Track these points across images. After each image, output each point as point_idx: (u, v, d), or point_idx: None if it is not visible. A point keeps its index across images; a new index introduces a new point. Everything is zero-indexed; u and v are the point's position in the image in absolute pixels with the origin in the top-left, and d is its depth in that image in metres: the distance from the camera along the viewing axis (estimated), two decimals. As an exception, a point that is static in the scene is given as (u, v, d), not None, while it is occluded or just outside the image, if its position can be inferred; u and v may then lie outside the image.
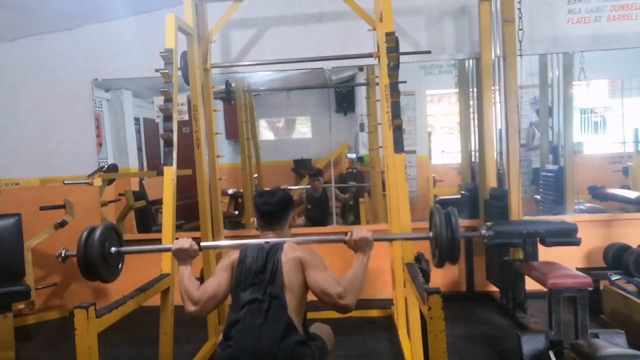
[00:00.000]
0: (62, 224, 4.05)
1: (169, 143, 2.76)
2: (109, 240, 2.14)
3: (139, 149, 5.29)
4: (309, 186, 5.18)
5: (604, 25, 4.23)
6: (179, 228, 4.42)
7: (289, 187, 5.46)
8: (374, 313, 3.91)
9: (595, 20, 4.23)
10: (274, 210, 2.10)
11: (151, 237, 4.49)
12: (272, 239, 2.05)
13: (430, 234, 2.10)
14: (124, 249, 2.23)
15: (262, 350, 1.84)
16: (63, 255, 2.10)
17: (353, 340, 3.41)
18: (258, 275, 1.94)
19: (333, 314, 3.49)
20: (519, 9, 3.79)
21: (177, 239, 2.13)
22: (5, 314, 3.30)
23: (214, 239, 3.47)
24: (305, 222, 5.07)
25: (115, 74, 4.52)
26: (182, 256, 2.07)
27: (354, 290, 1.88)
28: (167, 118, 2.77)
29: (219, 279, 2.00)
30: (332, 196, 4.88)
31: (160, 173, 2.77)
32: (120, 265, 2.27)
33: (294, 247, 2.01)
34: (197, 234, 3.45)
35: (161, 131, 2.82)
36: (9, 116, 4.56)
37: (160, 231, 2.66)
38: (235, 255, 2.03)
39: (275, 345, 1.83)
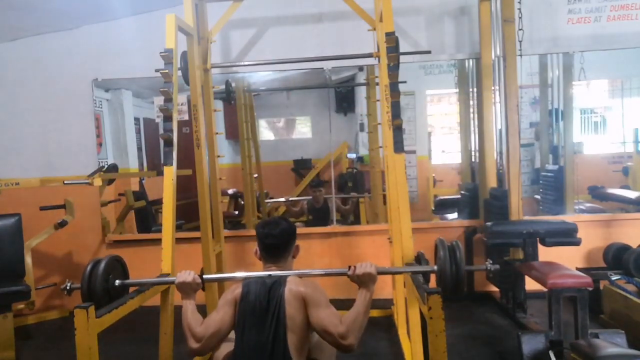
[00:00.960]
0: (62, 224, 4.05)
1: (169, 143, 2.75)
2: (114, 272, 2.17)
3: (139, 149, 5.29)
4: (310, 197, 5.20)
5: (604, 25, 4.23)
6: (179, 228, 4.42)
7: (290, 198, 5.45)
8: (374, 313, 3.91)
9: (595, 20, 4.23)
10: (277, 242, 2.09)
11: (151, 237, 4.49)
12: (275, 272, 2.04)
13: (435, 268, 2.09)
14: (128, 281, 2.25)
15: None
16: (68, 288, 2.12)
17: (353, 340, 3.41)
18: (261, 314, 1.92)
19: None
20: (519, 9, 3.79)
21: (180, 272, 2.12)
22: (5, 314, 3.30)
23: (214, 239, 3.47)
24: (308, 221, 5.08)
25: (115, 74, 4.52)
26: (185, 289, 2.08)
27: (357, 329, 1.83)
28: (167, 118, 2.77)
29: (221, 314, 1.98)
30: (333, 208, 4.87)
31: (160, 173, 2.76)
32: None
33: (297, 281, 1.99)
34: (197, 234, 3.45)
35: (161, 131, 2.81)
36: (9, 116, 4.56)
37: (160, 231, 2.65)
38: (238, 290, 2.01)
39: None
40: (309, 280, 2.06)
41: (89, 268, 2.08)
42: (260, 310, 1.93)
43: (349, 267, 2.00)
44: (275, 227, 2.08)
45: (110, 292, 2.14)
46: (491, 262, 2.11)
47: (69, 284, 2.12)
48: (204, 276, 2.15)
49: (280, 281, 1.98)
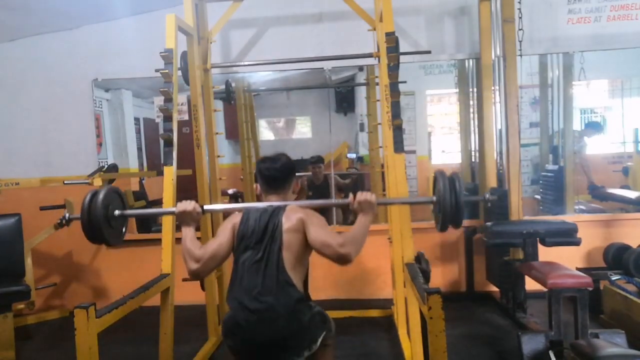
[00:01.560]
0: (62, 224, 4.04)
1: (169, 143, 2.76)
2: (113, 203, 2.13)
3: (139, 149, 5.29)
4: (309, 173, 5.17)
5: (604, 25, 4.23)
6: (178, 228, 4.41)
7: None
8: (374, 313, 3.92)
9: (595, 20, 4.23)
10: (277, 175, 2.12)
11: (151, 237, 4.49)
12: (275, 202, 2.07)
13: (434, 198, 2.10)
14: (127, 212, 2.21)
15: (262, 306, 1.87)
16: (67, 218, 2.10)
17: (353, 340, 3.41)
18: (259, 236, 1.98)
19: (334, 314, 3.49)
20: (519, 9, 3.80)
21: (180, 202, 2.12)
22: (5, 314, 3.30)
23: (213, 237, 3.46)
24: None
25: (115, 74, 4.51)
26: (185, 219, 2.08)
27: (355, 243, 1.89)
28: (167, 118, 2.78)
29: (220, 238, 2.03)
30: (333, 183, 4.87)
31: (160, 173, 2.77)
32: (124, 229, 2.25)
33: (296, 209, 2.04)
34: (197, 234, 3.44)
35: (161, 131, 2.82)
36: (9, 116, 4.56)
37: (160, 231, 2.65)
38: (237, 217, 2.07)
39: (275, 301, 1.87)
40: (309, 209, 2.09)
41: (88, 197, 2.04)
42: (258, 233, 1.98)
43: (350, 195, 2.04)
44: (276, 161, 2.13)
45: (110, 221, 2.10)
46: (489, 193, 2.10)
47: (67, 215, 2.11)
48: (205, 206, 2.14)
49: (280, 209, 2.03)
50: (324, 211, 5.01)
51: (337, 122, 5.50)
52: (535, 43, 4.22)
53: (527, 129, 5.28)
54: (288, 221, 1.98)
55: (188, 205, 2.08)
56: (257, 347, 1.90)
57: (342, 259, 1.88)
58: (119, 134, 4.94)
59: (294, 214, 2.01)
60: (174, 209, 2.12)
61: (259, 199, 2.19)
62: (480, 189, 4.30)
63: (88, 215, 2.03)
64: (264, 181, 2.15)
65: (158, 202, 2.93)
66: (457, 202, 1.96)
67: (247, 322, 1.88)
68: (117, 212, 2.14)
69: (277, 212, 2.02)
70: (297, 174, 2.21)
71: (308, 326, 1.94)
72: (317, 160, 5.15)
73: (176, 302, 2.62)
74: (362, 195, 2.00)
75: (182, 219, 2.08)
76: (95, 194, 2.05)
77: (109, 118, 4.84)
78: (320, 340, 2.01)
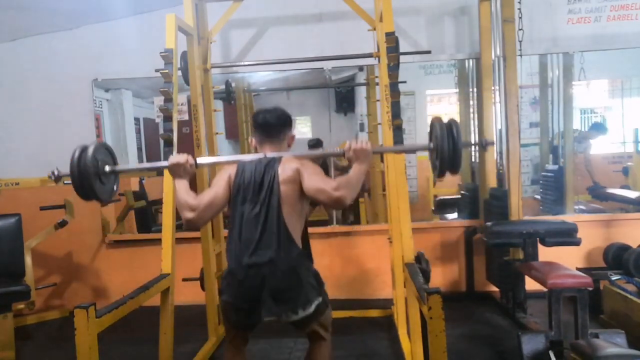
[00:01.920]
0: (62, 224, 4.05)
1: (169, 143, 2.76)
2: (103, 158, 2.08)
3: (139, 149, 5.29)
4: None
5: (604, 25, 4.23)
6: (179, 228, 4.40)
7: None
8: (374, 313, 3.91)
9: (595, 20, 4.23)
10: (272, 122, 2.11)
11: (151, 237, 4.49)
12: (270, 153, 2.06)
13: (431, 145, 2.07)
14: (118, 167, 2.15)
15: (261, 260, 1.90)
16: (56, 174, 2.05)
17: (353, 340, 3.41)
18: (256, 188, 1.98)
19: (334, 314, 3.47)
20: (519, 9, 3.79)
21: (172, 154, 2.09)
22: (5, 314, 3.30)
23: (213, 239, 3.47)
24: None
25: (115, 74, 4.51)
26: (178, 172, 2.03)
27: (349, 187, 1.90)
28: (167, 118, 2.78)
29: (216, 188, 2.03)
30: (332, 165, 4.86)
31: (160, 173, 2.77)
32: (115, 187, 2.18)
33: (291, 159, 2.04)
34: (197, 234, 3.45)
35: (161, 131, 2.82)
36: (9, 116, 4.56)
37: (160, 231, 2.66)
38: (232, 168, 2.07)
39: (274, 254, 1.89)
40: (305, 159, 2.09)
41: (77, 153, 1.98)
42: (255, 185, 1.98)
43: (345, 144, 2.01)
44: (271, 111, 2.13)
45: (100, 177, 2.05)
46: (485, 138, 2.09)
47: (56, 171, 2.05)
48: (198, 159, 2.10)
49: (276, 159, 2.03)
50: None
51: (337, 122, 5.50)
52: (535, 43, 4.22)
53: (527, 129, 5.28)
54: (284, 172, 1.98)
55: (181, 157, 2.02)
56: (254, 300, 1.92)
57: (336, 203, 1.88)
58: (119, 134, 4.94)
59: (290, 164, 2.00)
60: (167, 163, 2.05)
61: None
62: (480, 189, 4.30)
63: (78, 170, 1.96)
64: (258, 130, 2.14)
65: (158, 202, 2.93)
66: (455, 147, 1.93)
67: (245, 276, 1.91)
68: (107, 167, 2.08)
69: (273, 163, 2.01)
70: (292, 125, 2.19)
71: (304, 284, 1.95)
72: (316, 143, 5.18)
73: (176, 302, 2.62)
74: (357, 144, 1.96)
75: (175, 172, 2.04)
76: (84, 149, 1.99)
77: (109, 118, 4.84)
78: (314, 305, 1.99)
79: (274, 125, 2.11)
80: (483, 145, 2.08)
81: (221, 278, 2.03)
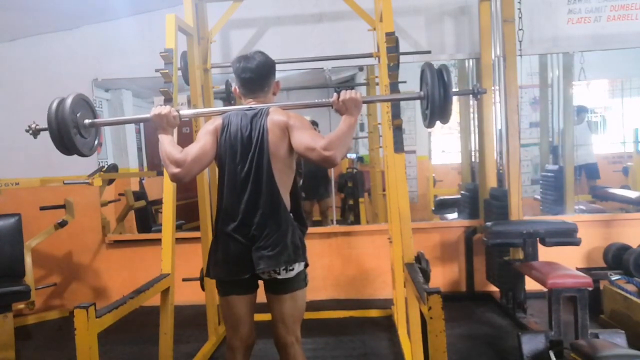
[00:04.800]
0: (62, 224, 4.05)
1: (169, 143, 2.75)
2: (82, 112, 2.02)
3: (139, 149, 5.29)
4: None
5: (604, 25, 4.23)
6: (179, 228, 4.42)
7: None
8: (374, 313, 3.91)
9: (595, 20, 4.23)
10: (254, 76, 2.02)
11: (151, 237, 4.49)
12: (257, 105, 2.01)
13: (422, 93, 2.01)
14: (98, 120, 2.10)
15: (251, 219, 1.90)
16: (34, 128, 1.99)
17: (353, 340, 3.41)
18: (244, 145, 1.94)
19: (334, 314, 3.48)
20: (519, 9, 3.79)
21: (158, 105, 2.04)
22: (5, 314, 3.30)
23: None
24: (301, 185, 5.04)
25: (115, 74, 4.51)
26: (161, 124, 1.98)
27: (339, 144, 1.82)
28: (167, 118, 2.77)
29: (202, 142, 1.97)
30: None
31: (160, 173, 2.77)
32: (96, 141, 2.13)
33: (279, 111, 1.98)
34: (197, 234, 3.45)
35: (161, 131, 2.81)
36: (9, 116, 4.56)
37: (160, 231, 2.65)
38: (218, 121, 2.01)
39: (262, 209, 1.90)
40: (292, 111, 2.03)
41: (54, 105, 1.90)
42: (242, 140, 1.94)
43: (333, 95, 1.96)
44: (251, 61, 2.01)
45: (80, 130, 1.98)
46: (478, 85, 2.04)
47: (34, 125, 1.98)
48: (182, 111, 2.04)
49: (262, 112, 1.97)
50: (322, 178, 5.00)
51: (337, 122, 5.48)
52: (535, 43, 4.22)
53: (527, 129, 5.29)
54: (272, 127, 1.92)
55: (163, 109, 1.97)
56: (244, 258, 1.91)
57: (326, 162, 1.84)
58: (119, 134, 4.94)
59: (278, 117, 1.94)
60: (149, 115, 1.99)
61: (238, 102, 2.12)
62: (480, 189, 4.30)
63: (56, 122, 1.90)
64: (240, 83, 2.05)
65: (158, 202, 2.93)
66: (446, 95, 1.88)
67: (235, 236, 1.92)
68: (87, 121, 2.02)
69: (260, 116, 1.95)
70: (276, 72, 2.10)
71: (288, 243, 1.93)
72: (311, 123, 5.16)
73: (176, 302, 2.62)
74: (346, 94, 1.89)
75: (158, 124, 1.98)
76: (62, 101, 1.93)
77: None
78: (297, 269, 1.96)
79: (255, 80, 2.02)
80: (475, 93, 1.99)
81: (210, 253, 2.01)
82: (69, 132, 1.91)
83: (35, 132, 1.98)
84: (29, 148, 4.55)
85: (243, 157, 1.94)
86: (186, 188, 3.78)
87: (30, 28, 4.39)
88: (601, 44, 4.23)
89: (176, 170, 1.89)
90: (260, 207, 1.92)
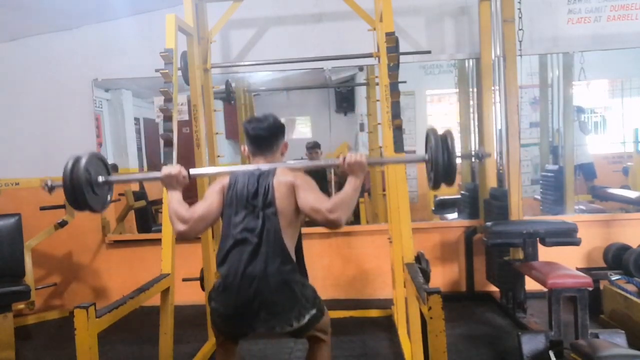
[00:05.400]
0: (62, 224, 4.05)
1: (169, 143, 2.75)
2: (96, 169, 2.07)
3: (139, 149, 5.28)
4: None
5: (604, 25, 4.23)
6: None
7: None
8: (374, 313, 3.92)
9: (595, 20, 4.23)
10: (264, 135, 2.07)
11: (151, 237, 4.49)
12: (264, 165, 2.04)
13: (426, 157, 2.05)
14: (111, 177, 2.14)
15: (253, 272, 1.87)
16: (49, 185, 2.05)
17: (353, 340, 3.41)
18: (250, 200, 1.95)
19: (334, 314, 3.48)
20: (519, 9, 3.79)
21: (166, 165, 2.09)
22: (5, 314, 3.30)
23: (213, 239, 3.46)
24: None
25: (115, 74, 4.51)
26: (171, 183, 2.02)
27: (344, 207, 1.85)
28: (167, 118, 2.77)
29: (209, 201, 2.00)
30: (332, 171, 4.86)
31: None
32: (108, 197, 2.17)
33: (286, 172, 2.01)
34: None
35: (161, 131, 2.82)
36: (9, 116, 4.56)
37: (160, 231, 2.65)
38: (225, 180, 2.04)
39: (268, 268, 1.87)
40: (299, 171, 2.05)
41: (70, 164, 1.96)
42: (248, 196, 1.96)
43: (339, 157, 1.97)
44: (263, 122, 2.08)
45: (93, 188, 2.03)
46: (482, 149, 2.08)
47: (49, 182, 2.05)
48: (191, 171, 2.09)
49: (269, 172, 2.00)
50: (324, 188, 5.00)
51: (337, 122, 5.50)
52: (535, 43, 4.22)
53: (527, 129, 5.28)
54: (279, 185, 1.95)
55: (174, 169, 2.02)
56: (245, 311, 1.89)
57: (332, 225, 1.86)
58: (119, 134, 4.94)
59: (284, 177, 1.97)
60: (159, 174, 2.05)
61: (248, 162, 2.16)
62: (480, 189, 4.30)
63: (70, 181, 1.95)
64: (250, 142, 2.10)
65: (158, 202, 2.94)
66: (449, 159, 1.91)
67: (238, 287, 1.88)
68: (101, 178, 2.07)
69: (267, 175, 1.98)
70: (284, 134, 2.15)
71: (298, 298, 1.92)
72: (314, 145, 5.18)
73: (176, 302, 2.62)
74: (352, 157, 1.92)
75: (167, 183, 2.03)
76: (77, 160, 1.98)
77: (109, 118, 4.84)
78: (308, 316, 1.96)
79: (265, 138, 2.08)
80: (479, 157, 2.06)
81: (213, 287, 2.00)
82: (82, 191, 1.97)
83: (51, 189, 2.07)
84: (29, 148, 4.59)
85: (248, 213, 1.95)
86: (186, 188, 3.77)
87: (30, 28, 4.39)
88: (601, 44, 4.23)
89: (182, 228, 1.94)
90: (265, 261, 1.90)
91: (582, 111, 5.32)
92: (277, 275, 1.88)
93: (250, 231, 1.92)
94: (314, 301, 2.02)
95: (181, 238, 1.99)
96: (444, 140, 1.93)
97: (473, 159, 2.09)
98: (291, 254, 1.94)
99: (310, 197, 1.92)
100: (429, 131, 2.03)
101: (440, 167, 1.93)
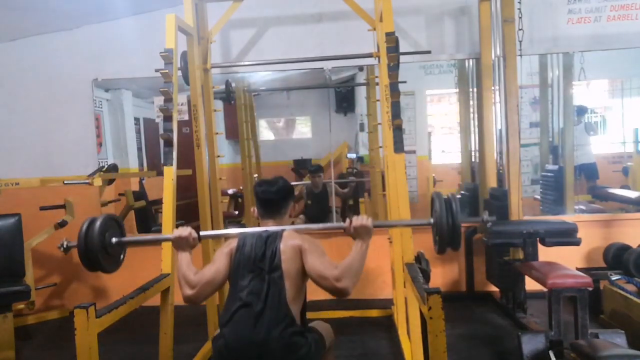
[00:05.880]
0: (62, 224, 4.05)
1: (169, 143, 2.76)
2: (110, 230, 2.13)
3: (139, 149, 5.29)
4: (309, 182, 5.23)
5: (604, 25, 4.23)
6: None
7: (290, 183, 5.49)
8: (374, 313, 3.92)
9: (595, 20, 4.23)
10: (274, 198, 2.11)
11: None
12: (272, 228, 2.07)
13: (431, 220, 2.08)
14: (125, 239, 2.19)
15: (257, 337, 1.84)
16: (65, 246, 2.10)
17: (353, 340, 3.41)
18: (257, 263, 1.96)
19: (334, 314, 3.50)
20: (519, 9, 3.80)
21: (177, 227, 2.12)
22: (5, 314, 3.30)
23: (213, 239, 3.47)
24: (304, 219, 5.10)
25: (115, 74, 4.52)
26: (181, 244, 2.07)
27: (352, 275, 1.86)
28: (167, 118, 2.77)
29: (217, 264, 2.01)
30: (332, 192, 4.91)
31: (160, 173, 2.77)
32: (121, 256, 2.24)
33: (293, 235, 2.02)
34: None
35: (161, 131, 2.82)
36: (9, 116, 4.56)
37: (160, 231, 2.66)
38: (233, 243, 2.06)
39: (272, 333, 1.84)
40: (306, 234, 2.07)
41: (85, 226, 2.03)
42: (255, 259, 1.96)
43: (345, 220, 2.01)
44: (272, 185, 2.13)
45: (107, 249, 2.09)
46: (487, 214, 2.09)
47: (65, 242, 2.10)
48: (201, 232, 2.14)
49: (277, 235, 2.01)
50: (325, 210, 5.05)
51: (337, 122, 5.50)
52: (535, 43, 4.22)
53: (527, 129, 5.28)
54: (286, 249, 1.95)
55: (184, 231, 2.07)
56: None
57: (339, 294, 1.86)
58: (119, 134, 4.94)
59: (292, 240, 1.98)
60: (171, 236, 2.13)
61: (258, 223, 2.19)
62: (480, 189, 4.30)
63: (85, 244, 2.03)
64: (260, 205, 2.14)
65: (158, 202, 2.94)
66: (454, 224, 1.94)
67: (241, 350, 1.86)
68: (114, 239, 2.13)
69: (274, 238, 1.99)
70: (293, 196, 2.20)
71: (305, 356, 1.90)
72: (317, 169, 5.21)
73: (176, 302, 2.61)
74: (358, 220, 1.95)
75: (178, 245, 2.08)
76: (92, 222, 2.05)
77: (109, 118, 4.85)
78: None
79: (275, 201, 2.12)
80: (484, 222, 2.08)
81: (213, 341, 1.99)
82: (96, 252, 2.04)
83: (67, 249, 2.12)
84: (29, 148, 4.59)
85: (255, 276, 1.94)
86: (186, 188, 3.79)
87: (30, 28, 4.40)
88: (601, 44, 4.23)
89: (190, 292, 1.95)
90: (268, 327, 1.86)
91: (585, 111, 5.32)
92: (280, 340, 1.85)
93: (256, 295, 1.90)
94: (319, 350, 2.01)
95: (189, 302, 1.98)
96: (449, 204, 1.96)
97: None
98: (296, 317, 1.92)
99: (318, 263, 1.91)
100: (434, 195, 2.07)
101: (446, 232, 1.96)
